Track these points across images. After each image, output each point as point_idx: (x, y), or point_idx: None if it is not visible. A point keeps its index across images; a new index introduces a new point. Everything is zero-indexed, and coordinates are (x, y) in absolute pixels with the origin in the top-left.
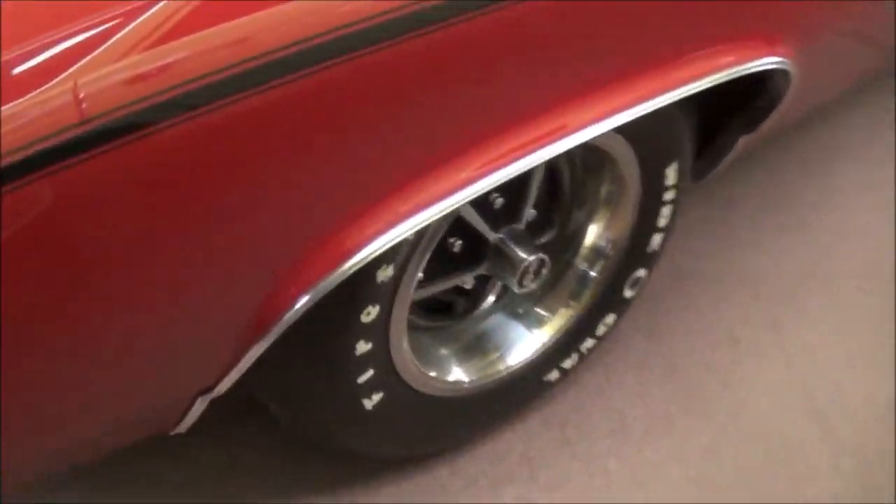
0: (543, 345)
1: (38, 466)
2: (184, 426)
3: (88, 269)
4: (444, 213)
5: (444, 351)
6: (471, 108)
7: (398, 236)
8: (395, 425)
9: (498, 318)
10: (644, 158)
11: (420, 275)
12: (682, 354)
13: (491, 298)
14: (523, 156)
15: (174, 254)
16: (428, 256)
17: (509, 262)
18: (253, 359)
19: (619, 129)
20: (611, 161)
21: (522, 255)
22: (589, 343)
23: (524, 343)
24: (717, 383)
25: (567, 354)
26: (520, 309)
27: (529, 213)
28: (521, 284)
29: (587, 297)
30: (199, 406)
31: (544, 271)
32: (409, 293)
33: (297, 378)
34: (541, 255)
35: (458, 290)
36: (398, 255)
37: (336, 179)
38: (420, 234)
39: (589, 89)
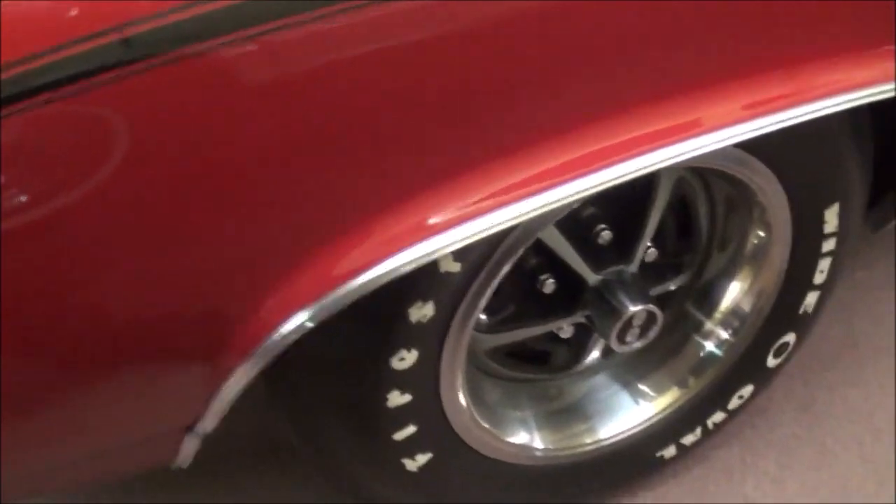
0: (649, 419)
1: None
2: (182, 462)
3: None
4: (487, 233)
5: (519, 413)
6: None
7: (414, 262)
8: (449, 492)
9: (599, 381)
10: (796, 196)
11: (482, 316)
12: (839, 440)
13: (595, 354)
14: (604, 167)
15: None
16: (488, 295)
17: (609, 311)
18: (236, 391)
19: (762, 154)
20: (754, 197)
21: (627, 303)
22: (718, 417)
23: (625, 416)
24: (874, 481)
25: (688, 429)
26: (629, 373)
27: (648, 252)
28: (621, 340)
29: (714, 371)
30: (191, 443)
31: (654, 328)
32: (464, 339)
33: (323, 429)
34: (650, 306)
35: (557, 339)
36: (439, 290)
37: (343, 172)
38: (474, 267)
39: (715, 79)
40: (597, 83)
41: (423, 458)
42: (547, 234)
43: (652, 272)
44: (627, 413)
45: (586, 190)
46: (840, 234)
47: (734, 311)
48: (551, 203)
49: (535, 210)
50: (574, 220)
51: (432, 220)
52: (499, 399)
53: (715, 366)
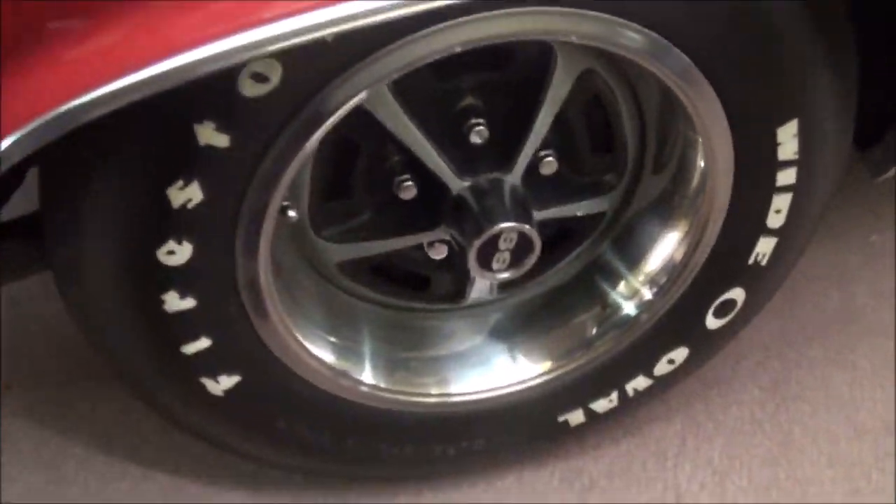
0: (528, 381)
1: None
2: None
3: None
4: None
5: (356, 339)
6: None
7: (99, 106)
8: (269, 429)
9: (475, 326)
10: (733, 105)
11: (292, 214)
12: (809, 432)
13: (482, 290)
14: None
15: None
16: (285, 183)
17: (471, 225)
18: None
19: (672, 34)
20: (678, 102)
21: (493, 217)
22: (640, 383)
23: (493, 372)
24: (844, 490)
25: (599, 393)
26: (519, 325)
27: (544, 163)
28: (483, 265)
29: (629, 333)
30: None
31: (529, 257)
32: (263, 238)
33: (109, 336)
34: (524, 226)
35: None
36: (204, 168)
37: None
38: (253, 143)
39: None
40: None
41: (228, 382)
42: (393, 121)
43: (550, 188)
44: (498, 370)
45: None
46: (802, 164)
47: (664, 264)
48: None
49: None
50: (439, 109)
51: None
52: (334, 319)
53: (629, 327)
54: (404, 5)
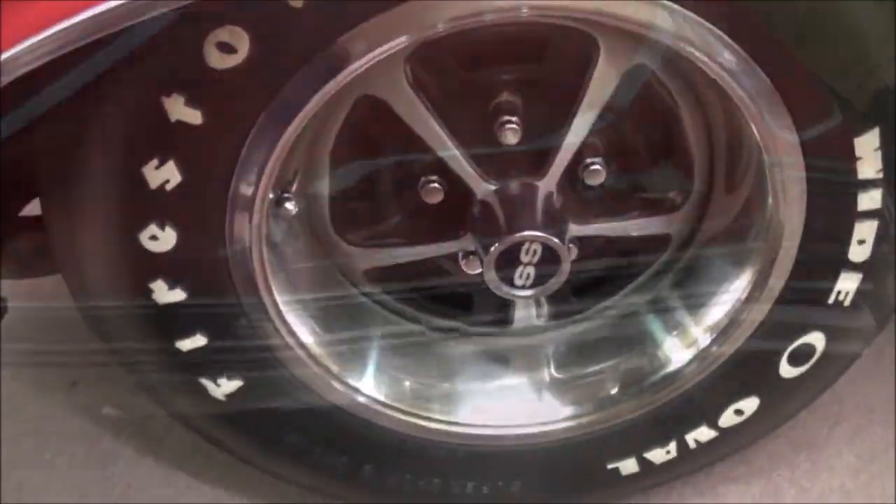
0: (554, 422)
1: None
2: None
3: None
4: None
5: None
6: None
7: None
8: (273, 439)
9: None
10: (799, 111)
11: (290, 207)
12: None
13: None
14: None
15: None
16: (273, 168)
17: (491, 231)
18: None
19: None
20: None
21: (515, 223)
22: (703, 435)
23: (513, 408)
24: None
25: (655, 442)
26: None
27: (588, 171)
28: (504, 279)
29: (681, 383)
30: None
31: (557, 274)
32: (256, 226)
33: (106, 317)
34: (551, 238)
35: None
36: (178, 147)
37: None
38: (230, 121)
39: None
40: None
41: (229, 386)
42: (410, 115)
43: (597, 201)
44: (519, 406)
45: None
46: (888, 184)
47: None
48: None
49: None
50: (467, 104)
51: None
52: (349, 327)
53: (683, 378)
54: None
